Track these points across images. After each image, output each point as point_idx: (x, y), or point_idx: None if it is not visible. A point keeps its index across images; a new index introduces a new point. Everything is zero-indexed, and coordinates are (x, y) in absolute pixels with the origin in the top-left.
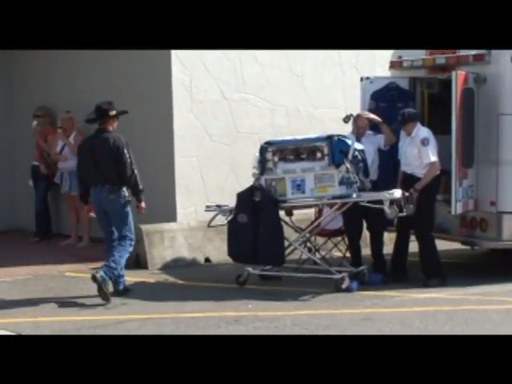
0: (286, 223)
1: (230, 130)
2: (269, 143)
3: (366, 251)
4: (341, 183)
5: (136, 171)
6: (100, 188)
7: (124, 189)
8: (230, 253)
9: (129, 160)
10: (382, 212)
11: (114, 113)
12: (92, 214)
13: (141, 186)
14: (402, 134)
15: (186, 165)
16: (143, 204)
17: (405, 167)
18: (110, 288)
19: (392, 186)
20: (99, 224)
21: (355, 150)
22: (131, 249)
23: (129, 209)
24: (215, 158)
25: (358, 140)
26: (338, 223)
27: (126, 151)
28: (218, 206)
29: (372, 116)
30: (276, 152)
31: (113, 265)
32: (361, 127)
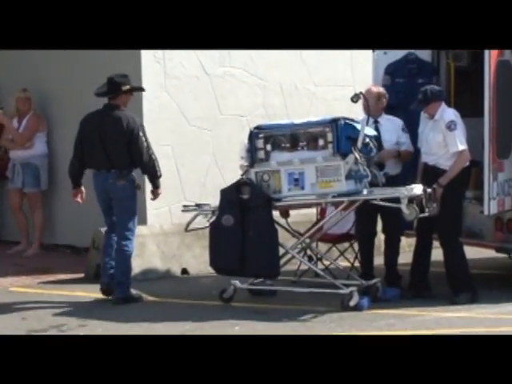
0: (281, 226)
1: (212, 111)
2: (260, 128)
3: (379, 260)
4: (348, 177)
5: (154, 156)
6: (105, 173)
7: (133, 174)
8: (213, 263)
9: (145, 144)
10: (399, 212)
11: (127, 87)
12: (79, 200)
13: (159, 173)
14: (423, 116)
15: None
16: (160, 190)
17: (426, 157)
18: (134, 292)
19: (411, 180)
20: (103, 214)
21: (366, 136)
22: (133, 246)
23: (136, 198)
24: (194, 147)
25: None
26: (345, 226)
27: (141, 134)
28: (198, 206)
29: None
30: (269, 139)
31: (123, 279)
32: (372, 107)
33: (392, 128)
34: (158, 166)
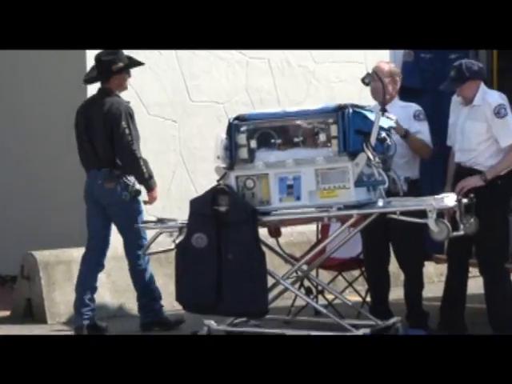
0: (269, 248)
1: (178, 97)
2: (242, 119)
3: (399, 293)
4: (359, 183)
5: (138, 152)
6: (95, 172)
7: (130, 177)
8: (180, 296)
9: (127, 137)
10: (420, 230)
11: (119, 66)
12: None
13: (146, 173)
14: (455, 101)
15: None
16: (155, 193)
17: (461, 156)
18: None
19: (440, 187)
20: (87, 222)
21: (382, 129)
22: (146, 260)
23: (139, 205)
24: (155, 143)
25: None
26: (354, 248)
27: (123, 124)
28: (160, 221)
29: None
30: (254, 133)
31: (144, 301)
32: (381, 90)
33: (404, 118)
34: (143, 165)
